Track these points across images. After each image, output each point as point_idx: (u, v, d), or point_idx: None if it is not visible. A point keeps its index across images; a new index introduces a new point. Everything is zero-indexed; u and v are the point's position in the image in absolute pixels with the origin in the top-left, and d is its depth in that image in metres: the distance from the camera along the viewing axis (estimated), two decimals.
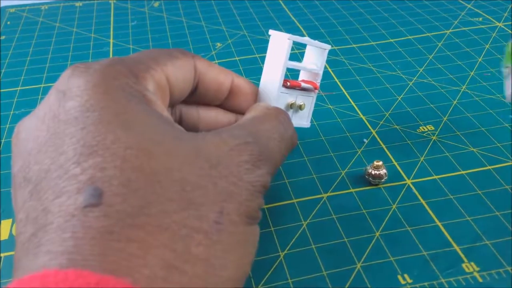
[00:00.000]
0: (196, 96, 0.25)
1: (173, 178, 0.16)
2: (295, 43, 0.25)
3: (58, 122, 0.17)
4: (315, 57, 0.28)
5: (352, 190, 0.29)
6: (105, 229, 0.15)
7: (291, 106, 0.27)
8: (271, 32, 0.25)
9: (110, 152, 0.16)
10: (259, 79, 0.26)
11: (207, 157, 0.18)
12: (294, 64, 0.26)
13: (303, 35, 0.43)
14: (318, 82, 0.28)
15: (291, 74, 0.35)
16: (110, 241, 0.14)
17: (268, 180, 0.19)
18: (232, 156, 0.18)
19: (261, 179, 0.19)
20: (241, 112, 0.25)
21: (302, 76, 0.28)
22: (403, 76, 0.40)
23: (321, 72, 0.28)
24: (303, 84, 0.27)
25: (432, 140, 0.32)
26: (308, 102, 0.28)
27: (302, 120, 0.28)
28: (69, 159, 0.16)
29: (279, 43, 0.25)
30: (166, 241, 0.15)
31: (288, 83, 0.26)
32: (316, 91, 0.28)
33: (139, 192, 0.16)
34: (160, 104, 0.20)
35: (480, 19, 0.48)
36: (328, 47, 0.28)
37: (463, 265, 0.24)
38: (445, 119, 0.34)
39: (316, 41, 0.27)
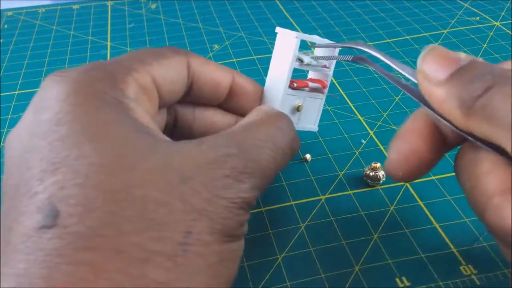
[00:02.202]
0: (192, 95, 0.24)
1: (134, 196, 0.15)
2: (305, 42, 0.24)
3: (31, 135, 0.17)
4: (325, 56, 0.26)
5: (350, 191, 0.29)
6: (56, 252, 0.14)
7: (297, 108, 0.25)
8: (278, 29, 0.24)
9: (71, 169, 0.15)
10: (258, 81, 0.26)
11: (180, 171, 0.16)
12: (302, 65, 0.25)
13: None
14: (327, 82, 0.27)
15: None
16: (59, 264, 0.14)
17: (253, 195, 0.18)
18: (209, 169, 0.17)
19: (243, 195, 0.17)
20: (244, 114, 0.24)
21: (311, 77, 0.27)
22: (402, 76, 0.40)
23: (331, 73, 0.27)
24: (311, 84, 0.26)
25: None
26: (316, 104, 0.27)
27: (309, 123, 0.27)
28: (33, 176, 0.16)
29: (286, 41, 0.24)
30: (121, 265, 0.14)
31: (295, 84, 0.25)
32: (325, 90, 0.27)
33: (95, 212, 0.15)
34: (140, 111, 0.19)
35: (477, 18, 0.48)
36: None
37: (461, 268, 0.24)
38: None
39: (326, 40, 0.26)
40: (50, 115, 0.17)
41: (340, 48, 0.27)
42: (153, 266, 0.15)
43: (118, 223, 0.15)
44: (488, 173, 0.16)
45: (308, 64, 0.25)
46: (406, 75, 0.20)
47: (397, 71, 0.20)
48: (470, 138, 0.17)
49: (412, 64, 0.41)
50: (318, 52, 0.27)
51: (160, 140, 0.18)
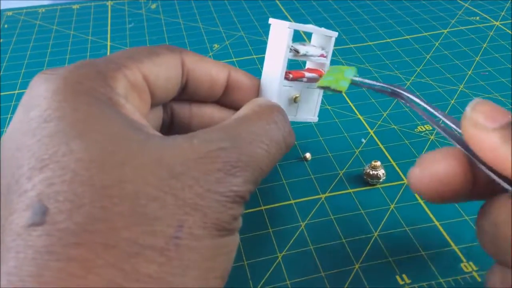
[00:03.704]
0: (188, 93, 0.24)
1: (125, 192, 0.15)
2: (304, 32, 0.24)
3: (21, 134, 0.17)
4: (321, 46, 0.26)
5: (350, 190, 0.29)
6: (45, 249, 0.14)
7: (295, 100, 0.25)
8: (271, 20, 0.24)
9: (60, 165, 0.15)
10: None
11: (170, 166, 0.16)
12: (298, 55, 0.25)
13: (300, 36, 0.43)
14: (324, 71, 0.26)
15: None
16: (49, 261, 0.14)
17: (246, 189, 0.18)
18: (201, 164, 0.17)
19: (236, 189, 0.17)
20: None
21: (308, 67, 0.27)
22: (401, 76, 0.40)
23: (328, 62, 0.26)
24: (307, 74, 0.25)
25: (430, 140, 0.32)
26: (315, 94, 0.26)
27: (308, 114, 0.27)
28: (23, 174, 0.15)
29: (279, 32, 0.23)
30: (112, 260, 0.14)
31: (291, 75, 0.24)
32: None
33: (84, 208, 0.15)
34: (129, 107, 0.18)
35: (478, 18, 0.48)
36: (334, 34, 0.26)
37: (462, 265, 0.24)
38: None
39: (322, 28, 0.25)
40: (38, 112, 0.17)
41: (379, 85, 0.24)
42: (144, 261, 0.15)
43: (108, 218, 0.15)
44: None
45: (304, 55, 0.25)
46: (448, 122, 0.19)
47: (439, 117, 0.20)
48: (509, 187, 0.17)
49: (412, 64, 0.41)
50: (314, 41, 0.27)
51: (151, 136, 0.17)
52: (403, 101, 0.22)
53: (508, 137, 0.16)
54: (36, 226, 0.14)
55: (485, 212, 0.17)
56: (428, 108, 0.20)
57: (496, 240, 0.16)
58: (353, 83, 0.24)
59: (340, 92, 0.23)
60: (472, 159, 0.18)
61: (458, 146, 0.18)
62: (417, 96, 0.21)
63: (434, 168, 0.18)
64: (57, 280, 0.14)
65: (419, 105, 0.21)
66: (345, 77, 0.24)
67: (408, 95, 0.21)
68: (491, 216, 0.17)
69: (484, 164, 0.17)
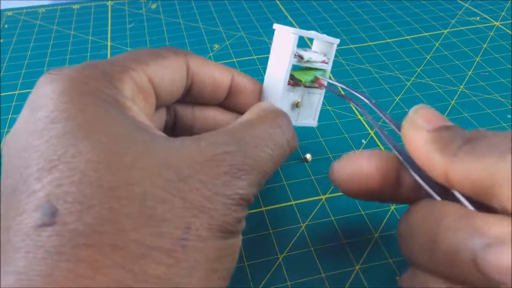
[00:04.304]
0: (192, 95, 0.24)
1: (133, 193, 0.15)
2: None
3: (28, 134, 0.17)
4: (323, 52, 0.27)
5: None
6: (55, 249, 0.14)
7: (297, 105, 0.26)
8: (275, 26, 0.24)
9: (69, 166, 0.15)
10: (258, 80, 0.26)
11: (178, 168, 0.16)
12: (300, 61, 0.25)
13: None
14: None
15: None
16: (58, 261, 0.14)
17: (251, 192, 0.18)
18: (208, 167, 0.17)
19: (241, 192, 0.17)
20: (244, 112, 0.23)
21: None
22: (401, 76, 0.40)
23: (329, 68, 0.27)
24: None
25: None
26: (315, 99, 0.27)
27: (308, 119, 0.27)
28: (31, 174, 0.16)
29: (283, 38, 0.24)
30: (121, 261, 0.14)
31: (292, 81, 0.25)
32: (323, 87, 0.27)
33: (93, 209, 0.15)
34: (136, 109, 0.19)
35: (478, 18, 0.48)
36: (336, 41, 0.26)
37: None
38: None
39: (324, 35, 0.26)
40: (45, 113, 0.17)
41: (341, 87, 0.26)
42: (152, 262, 0.15)
43: (117, 219, 0.15)
44: (460, 224, 0.16)
45: (307, 61, 0.25)
46: (392, 126, 0.21)
47: (385, 121, 0.22)
48: (431, 191, 0.18)
49: (413, 64, 0.41)
50: (316, 46, 0.27)
51: (157, 137, 0.18)
52: (357, 107, 0.24)
53: (437, 138, 0.17)
54: (46, 226, 0.15)
55: (407, 212, 0.18)
56: (381, 114, 0.22)
57: (413, 239, 0.17)
58: (326, 86, 0.26)
59: (300, 81, 0.25)
60: (403, 164, 0.19)
61: (395, 151, 0.20)
62: (374, 104, 0.23)
63: (357, 163, 0.19)
64: (66, 280, 0.14)
65: (374, 112, 0.23)
66: (312, 74, 0.26)
67: (366, 101, 0.23)
68: (410, 217, 0.18)
69: (415, 169, 0.18)
